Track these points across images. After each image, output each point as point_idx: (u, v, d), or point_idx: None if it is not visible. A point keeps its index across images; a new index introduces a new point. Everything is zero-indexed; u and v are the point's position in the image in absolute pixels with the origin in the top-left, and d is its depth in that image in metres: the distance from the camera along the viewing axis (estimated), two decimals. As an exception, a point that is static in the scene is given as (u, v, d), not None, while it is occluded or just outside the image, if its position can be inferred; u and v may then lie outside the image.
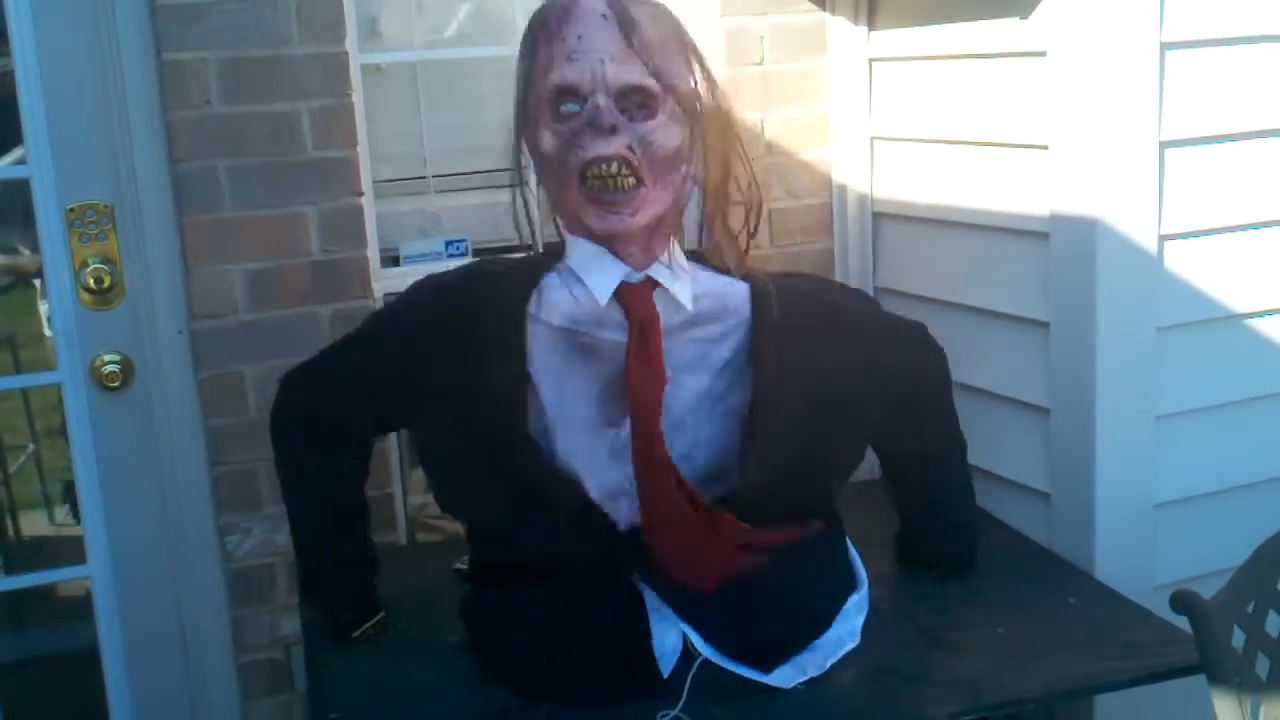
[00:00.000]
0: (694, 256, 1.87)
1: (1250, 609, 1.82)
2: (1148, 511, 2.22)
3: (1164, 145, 2.12)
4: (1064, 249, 2.17)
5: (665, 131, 1.70)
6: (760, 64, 2.66)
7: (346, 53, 2.38)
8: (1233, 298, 2.23)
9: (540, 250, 1.92)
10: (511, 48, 2.61)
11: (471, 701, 1.83)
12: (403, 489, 2.58)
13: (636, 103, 1.68)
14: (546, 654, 1.83)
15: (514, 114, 1.79)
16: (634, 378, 1.75)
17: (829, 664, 1.86)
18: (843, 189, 2.75)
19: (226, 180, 2.33)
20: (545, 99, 1.69)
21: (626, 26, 1.67)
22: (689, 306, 1.78)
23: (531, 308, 1.78)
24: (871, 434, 2.05)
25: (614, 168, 1.66)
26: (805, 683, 1.82)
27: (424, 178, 2.88)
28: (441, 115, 2.91)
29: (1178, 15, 2.08)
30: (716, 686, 1.80)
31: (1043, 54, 2.15)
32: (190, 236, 2.34)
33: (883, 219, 2.72)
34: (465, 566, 2.11)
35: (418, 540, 2.65)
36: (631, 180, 1.67)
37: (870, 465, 2.41)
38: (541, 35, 1.71)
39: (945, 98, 2.46)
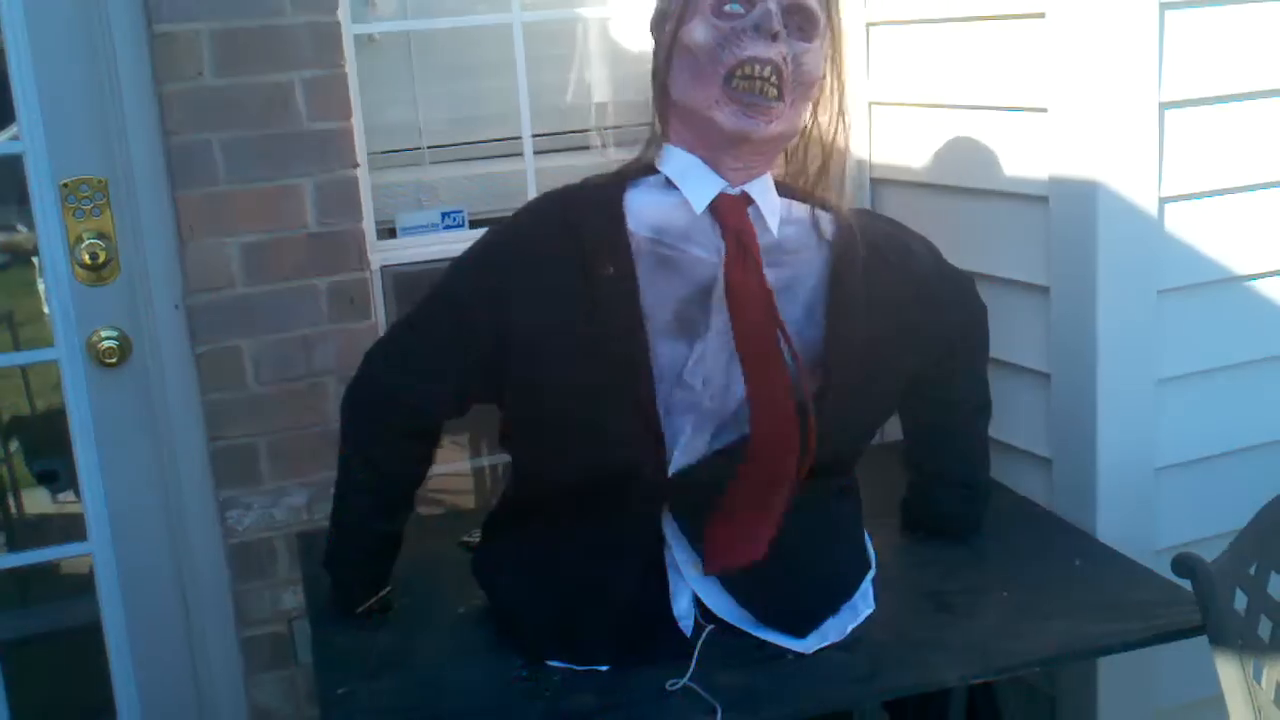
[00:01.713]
0: (782, 186, 1.86)
1: (1252, 571, 1.82)
2: (1149, 475, 2.21)
3: (1164, 107, 2.10)
4: (1064, 213, 2.16)
5: (816, 57, 1.72)
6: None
7: (339, 22, 2.37)
8: (1233, 260, 2.22)
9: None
10: (505, 17, 2.63)
11: (479, 674, 1.82)
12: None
13: (798, 22, 1.70)
14: (565, 613, 1.82)
15: (658, 18, 1.79)
16: (736, 284, 1.74)
17: (850, 629, 1.87)
18: (841, 154, 2.73)
19: (220, 153, 2.32)
20: None
21: None
22: (774, 231, 1.78)
23: (625, 220, 1.76)
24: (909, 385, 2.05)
25: (767, 71, 1.66)
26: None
27: (419, 149, 2.86)
28: (436, 85, 2.89)
29: (1177, -26, 2.06)
30: (726, 654, 1.80)
31: (1041, 15, 2.14)
32: (185, 210, 2.32)
33: (881, 185, 2.70)
34: (473, 539, 2.11)
35: (421, 513, 2.65)
36: (776, 90, 1.67)
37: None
38: None
39: (943, 61, 2.44)
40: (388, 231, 2.64)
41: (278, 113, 2.34)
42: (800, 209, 1.84)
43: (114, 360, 2.41)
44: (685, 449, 1.78)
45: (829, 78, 1.78)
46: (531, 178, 2.65)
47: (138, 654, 2.51)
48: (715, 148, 1.73)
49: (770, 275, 1.78)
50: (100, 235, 2.38)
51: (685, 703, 1.70)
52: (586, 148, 2.96)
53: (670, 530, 1.83)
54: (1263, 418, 2.30)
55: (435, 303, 1.90)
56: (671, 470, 1.77)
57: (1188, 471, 2.24)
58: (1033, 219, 2.24)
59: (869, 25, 2.64)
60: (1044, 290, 2.23)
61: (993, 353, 2.29)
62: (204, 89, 2.29)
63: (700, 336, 1.77)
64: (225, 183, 2.33)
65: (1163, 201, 2.13)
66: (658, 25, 1.79)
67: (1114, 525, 2.18)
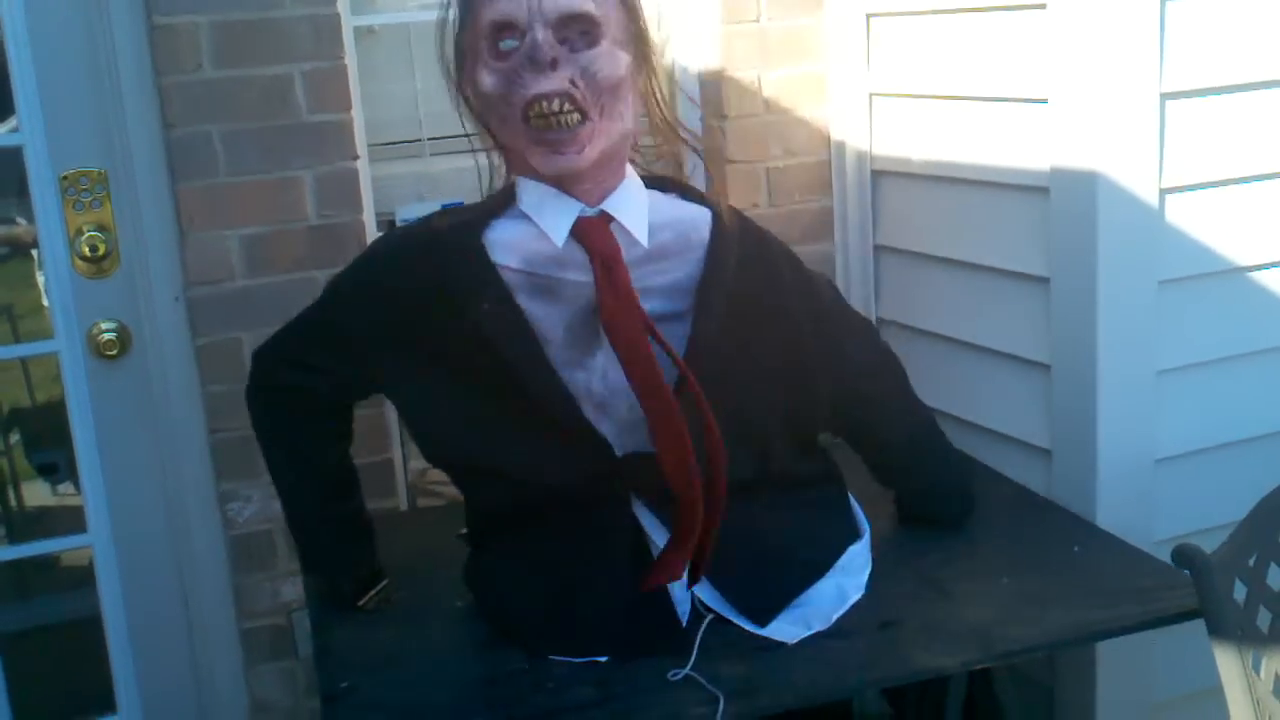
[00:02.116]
0: (656, 183, 1.82)
1: (1252, 563, 1.82)
2: (1149, 467, 2.21)
3: (1165, 97, 2.10)
4: (1064, 204, 2.15)
5: (610, 59, 1.64)
6: (757, 21, 2.64)
7: (338, 14, 2.36)
8: (1234, 251, 2.22)
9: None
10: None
11: (481, 667, 1.82)
12: (402, 454, 2.57)
13: (578, 30, 1.63)
14: (559, 609, 1.82)
15: (446, 65, 1.75)
16: (607, 315, 1.69)
17: (835, 617, 1.85)
18: (841, 146, 2.74)
19: (220, 145, 2.32)
20: (483, 36, 1.64)
21: None
22: (644, 243, 1.74)
23: (488, 250, 1.74)
24: (832, 420, 2.05)
25: (556, 104, 1.60)
26: (813, 636, 1.81)
27: (419, 140, 2.86)
28: (436, 77, 2.87)
29: (1178, -35, 2.06)
30: (725, 644, 1.80)
31: (1042, 6, 2.13)
32: (185, 203, 2.32)
33: (882, 176, 2.70)
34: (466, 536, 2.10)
35: (418, 506, 2.65)
36: (576, 116, 1.62)
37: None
38: None
39: (944, 52, 2.44)
40: (388, 223, 2.64)
41: (278, 105, 2.34)
42: (677, 209, 1.80)
43: (114, 352, 2.41)
44: (621, 441, 1.78)
45: (641, 63, 1.71)
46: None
47: (137, 646, 2.52)
48: (553, 181, 1.70)
49: (656, 281, 1.76)
50: (100, 227, 2.37)
51: (687, 693, 1.70)
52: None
53: (644, 517, 1.82)
54: (1263, 409, 2.30)
55: (314, 321, 1.94)
56: (620, 453, 1.77)
57: (1188, 463, 2.24)
58: (1033, 210, 2.24)
59: (869, 16, 2.63)
60: (1044, 281, 2.23)
61: (992, 344, 2.30)
62: (204, 81, 2.29)
63: (593, 354, 1.76)
64: (225, 175, 2.33)
65: (1163, 193, 2.13)
66: (459, 74, 1.75)
67: (1114, 516, 2.17)
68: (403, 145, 2.84)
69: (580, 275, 1.72)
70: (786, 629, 1.82)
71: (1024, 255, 2.28)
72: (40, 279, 2.74)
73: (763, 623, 1.82)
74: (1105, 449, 2.17)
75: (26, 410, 3.71)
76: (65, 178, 2.35)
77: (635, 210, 1.74)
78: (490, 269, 1.73)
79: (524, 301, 1.74)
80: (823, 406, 1.99)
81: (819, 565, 1.92)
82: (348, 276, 1.92)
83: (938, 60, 2.46)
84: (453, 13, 1.73)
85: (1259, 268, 2.25)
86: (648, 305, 1.74)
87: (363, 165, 2.46)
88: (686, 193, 1.83)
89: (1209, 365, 2.24)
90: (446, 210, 1.87)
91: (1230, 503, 1.92)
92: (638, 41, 1.71)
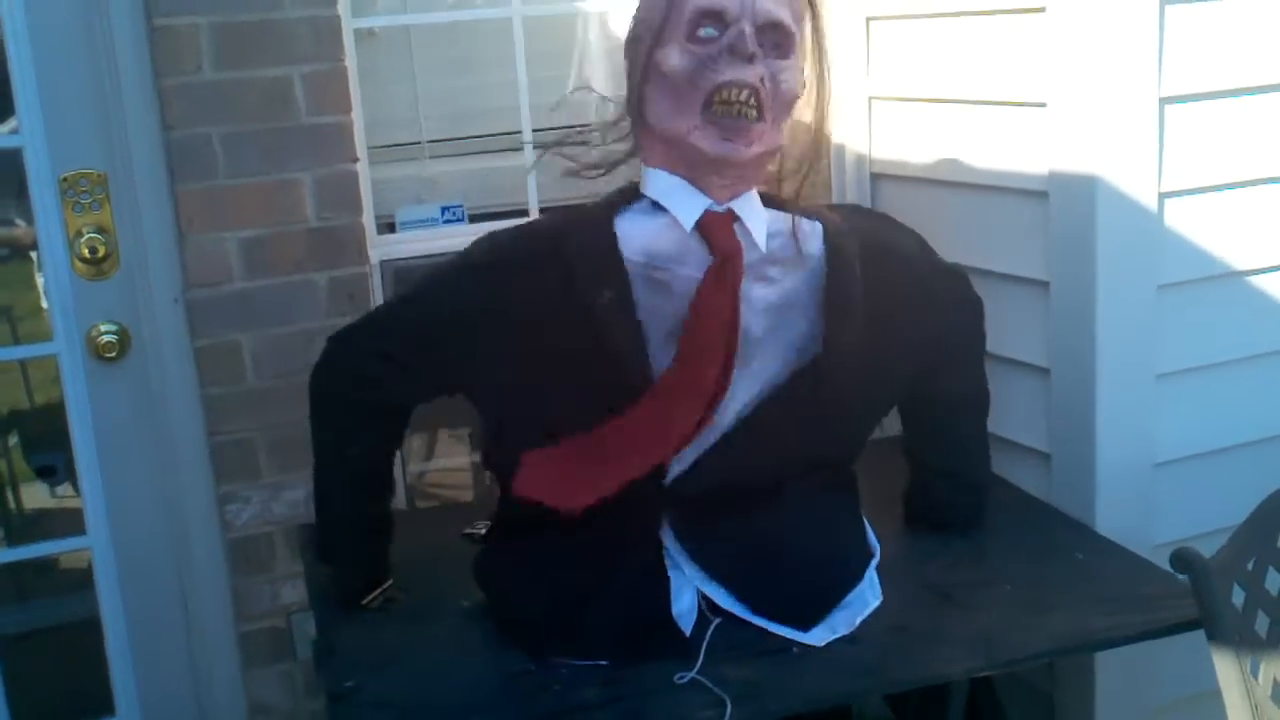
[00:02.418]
0: (765, 196, 1.86)
1: (1250, 567, 1.82)
2: (1148, 470, 2.21)
3: (1164, 101, 2.10)
4: (1063, 207, 2.15)
5: (793, 75, 1.71)
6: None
7: (339, 16, 2.37)
8: (1233, 255, 2.22)
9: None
10: (505, 11, 2.62)
11: (484, 667, 1.82)
12: (402, 457, 2.58)
13: (773, 40, 1.69)
14: (566, 610, 1.82)
15: (631, 43, 1.78)
16: (704, 303, 1.72)
17: (858, 621, 1.87)
18: (840, 150, 2.74)
19: (220, 147, 2.32)
20: (686, 19, 1.68)
21: None
22: (762, 246, 1.78)
23: (618, 245, 1.76)
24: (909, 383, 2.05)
25: (744, 95, 1.66)
26: (805, 644, 1.82)
27: (419, 143, 2.86)
28: (436, 80, 2.89)
29: (1177, -30, 2.06)
30: (730, 647, 1.80)
31: (1041, 10, 2.14)
32: (184, 204, 2.32)
33: (881, 179, 2.70)
34: (476, 530, 2.10)
35: (417, 506, 2.65)
36: (755, 112, 1.67)
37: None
38: None
39: (943, 56, 2.44)
40: (387, 226, 2.64)
41: (277, 107, 2.34)
42: (783, 220, 1.83)
43: (113, 354, 2.40)
44: (679, 458, 1.79)
45: (819, 84, 1.77)
46: (531, 172, 2.65)
47: (136, 648, 2.51)
48: (697, 169, 1.73)
49: (761, 292, 1.79)
50: (100, 229, 2.37)
51: (693, 696, 1.70)
52: (585, 143, 2.95)
53: (668, 535, 1.84)
54: (1262, 413, 2.30)
55: (407, 316, 1.93)
56: (669, 479, 1.79)
57: (1187, 467, 2.24)
58: (1032, 214, 2.24)
59: (869, 20, 2.63)
60: (1044, 285, 2.23)
61: (992, 348, 2.29)
62: (204, 83, 2.29)
63: None
64: (225, 177, 2.33)
65: (1162, 197, 2.13)
66: (631, 49, 1.78)
67: (1113, 520, 2.18)
68: (402, 148, 2.84)
69: (696, 272, 1.75)
70: (819, 632, 1.83)
71: (1023, 259, 2.28)
72: (40, 280, 2.74)
73: (805, 627, 1.83)
74: (1104, 453, 2.17)
75: (25, 412, 3.71)
76: (65, 179, 2.35)
77: (758, 214, 1.79)
78: (619, 261, 1.75)
79: (638, 294, 1.76)
80: (900, 387, 2.03)
81: (858, 571, 1.94)
82: (455, 277, 1.90)
83: (937, 64, 2.46)
84: (603, 12, 1.77)
85: (1258, 272, 2.25)
86: (764, 319, 1.79)
87: (362, 167, 2.47)
88: (785, 207, 1.86)
89: (1208, 369, 2.24)
90: (564, 209, 1.90)
91: (1229, 507, 1.92)
92: (820, 70, 1.77)
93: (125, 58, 2.29)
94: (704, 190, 1.74)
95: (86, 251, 2.37)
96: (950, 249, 2.45)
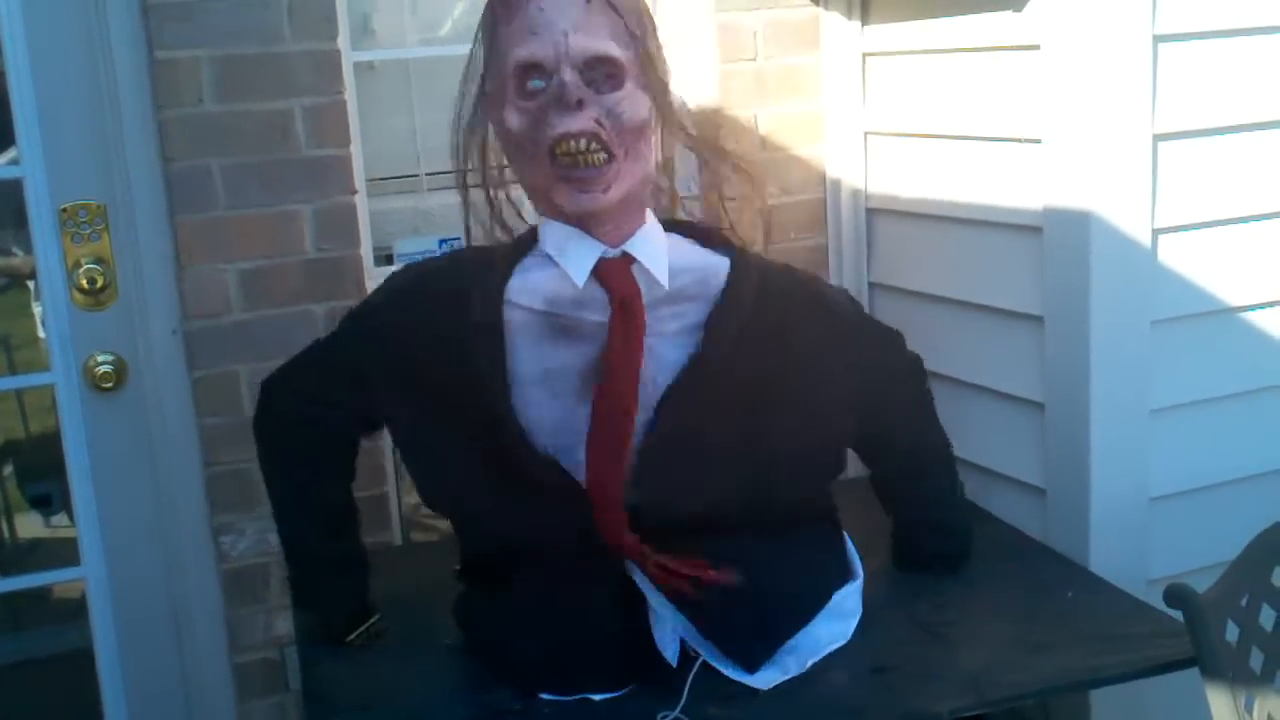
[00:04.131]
0: (677, 228, 1.84)
1: (1244, 603, 1.82)
2: (1142, 506, 2.22)
3: (1158, 138, 2.11)
4: (1058, 243, 2.16)
5: (633, 101, 1.66)
6: (754, 59, 2.66)
7: (339, 50, 2.38)
8: (1227, 291, 2.23)
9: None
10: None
11: (470, 705, 1.81)
12: (397, 489, 2.57)
13: (603, 73, 1.65)
14: (545, 650, 1.81)
15: (460, 106, 1.77)
16: (613, 355, 1.71)
17: (810, 663, 1.84)
18: (836, 184, 2.75)
19: (219, 179, 2.33)
20: (510, 76, 1.66)
21: None
22: (664, 284, 1.75)
23: (510, 294, 1.75)
24: (852, 441, 2.04)
25: (583, 144, 1.62)
26: (791, 681, 1.80)
27: (417, 175, 2.88)
28: (434, 113, 2.90)
29: (1171, 8, 2.07)
30: (714, 686, 1.79)
31: (1036, 47, 2.15)
32: (183, 236, 2.33)
33: (876, 214, 2.72)
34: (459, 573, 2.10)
35: (413, 540, 2.65)
36: (602, 155, 1.64)
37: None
38: (501, 13, 1.68)
39: (939, 92, 2.46)
40: (385, 257, 2.65)
41: (277, 139, 2.35)
42: (696, 256, 1.81)
43: (110, 385, 2.41)
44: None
45: (661, 107, 1.73)
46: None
47: (130, 679, 2.50)
48: (576, 220, 1.71)
49: (672, 325, 1.77)
50: (98, 260, 2.38)
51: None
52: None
53: (633, 568, 1.82)
54: (1256, 449, 2.30)
55: (326, 353, 1.96)
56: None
57: (1181, 502, 2.25)
58: (1027, 249, 2.25)
59: (865, 55, 2.65)
60: (1038, 320, 2.24)
61: (986, 382, 2.31)
62: (204, 115, 2.30)
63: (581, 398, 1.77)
64: (224, 208, 2.34)
65: (1156, 233, 2.14)
66: (485, 112, 1.76)
67: (1107, 555, 2.18)
68: (400, 180, 2.85)
69: (600, 316, 1.73)
70: (761, 674, 1.80)
71: (1017, 294, 2.29)
72: (37, 310, 2.75)
73: (751, 669, 1.80)
74: (1098, 487, 2.17)
75: (21, 441, 3.71)
76: (64, 210, 2.35)
77: (656, 252, 1.76)
78: (497, 315, 1.75)
79: (542, 343, 1.75)
80: (842, 447, 2.00)
81: (807, 612, 1.89)
82: (365, 310, 1.93)
83: (932, 99, 2.48)
84: (478, 50, 1.75)
85: (1251, 308, 2.26)
86: (661, 349, 1.76)
87: (361, 200, 2.48)
88: (708, 239, 1.84)
89: (1202, 405, 2.24)
90: (468, 250, 1.88)
91: (1223, 542, 1.92)
92: (657, 86, 1.73)
93: (126, 90, 2.30)
94: (596, 235, 1.71)
95: (85, 282, 2.37)
96: (945, 283, 2.47)
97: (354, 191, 2.44)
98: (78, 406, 2.41)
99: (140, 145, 2.32)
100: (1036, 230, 2.21)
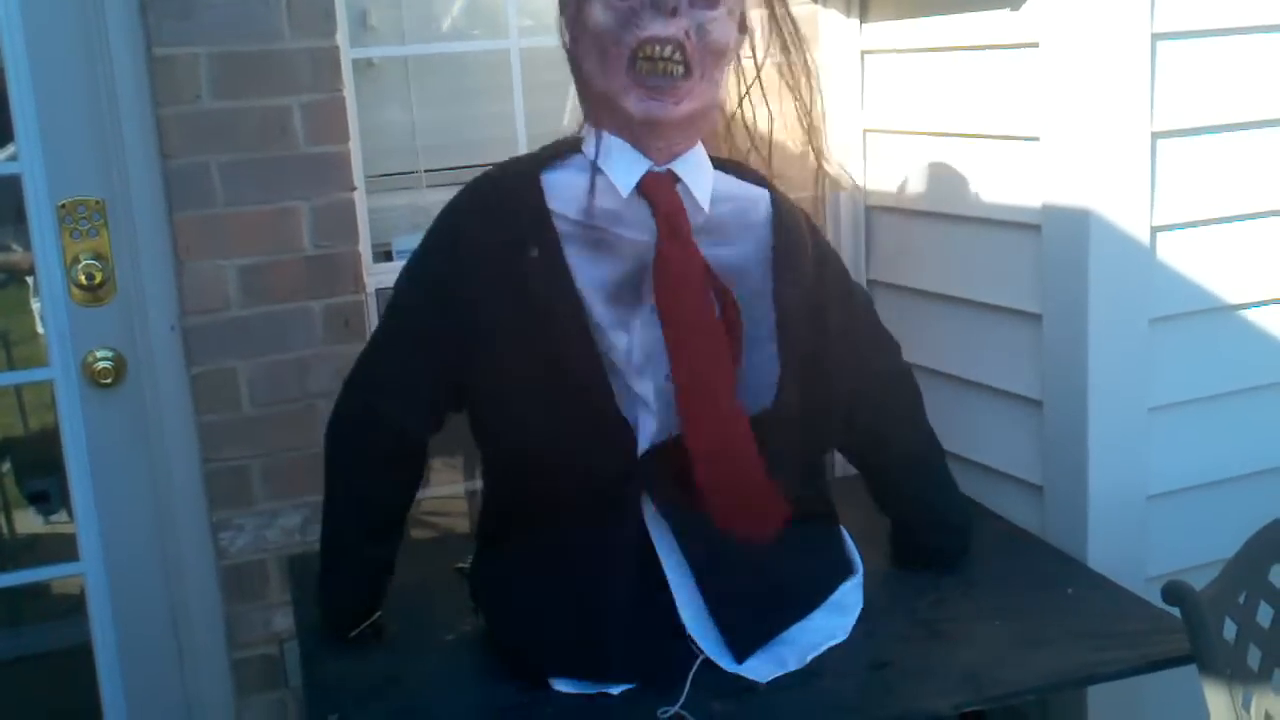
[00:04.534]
0: (717, 162, 1.83)
1: (1242, 600, 1.82)
2: (1140, 503, 2.22)
3: (1156, 136, 2.12)
4: (1056, 241, 2.17)
5: (723, 25, 1.68)
6: (752, 57, 2.65)
7: (337, 47, 2.38)
8: (1225, 289, 2.23)
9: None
10: (503, 43, 2.64)
11: (471, 700, 1.82)
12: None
13: None
14: (562, 624, 1.80)
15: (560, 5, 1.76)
16: (664, 262, 1.69)
17: (810, 658, 1.84)
18: (835, 182, 2.75)
19: (218, 176, 2.33)
20: None
21: None
22: (706, 208, 1.75)
23: (548, 201, 1.74)
24: (844, 431, 2.06)
25: (668, 50, 1.63)
26: (790, 677, 1.80)
27: (416, 172, 2.87)
28: (433, 110, 2.90)
29: (1169, 6, 2.08)
30: (717, 681, 1.79)
31: (1034, 45, 2.15)
32: (182, 232, 2.33)
33: (875, 211, 2.72)
34: (467, 565, 2.10)
35: (413, 537, 2.65)
36: (681, 68, 1.64)
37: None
38: None
39: (937, 90, 2.46)
40: (384, 254, 2.65)
41: (275, 136, 2.35)
42: (736, 186, 1.81)
43: (109, 381, 2.41)
44: (646, 431, 1.76)
45: (764, 40, 1.75)
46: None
47: (128, 675, 2.51)
48: (633, 129, 1.70)
49: (712, 254, 1.76)
50: (97, 256, 2.38)
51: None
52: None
53: (655, 529, 1.81)
54: (1254, 446, 2.31)
55: (391, 318, 1.92)
56: (640, 450, 1.75)
57: (1179, 500, 2.25)
58: (1025, 247, 2.25)
59: (863, 53, 2.65)
60: (1036, 318, 2.24)
61: (984, 380, 2.31)
62: (202, 112, 2.30)
63: (635, 317, 1.75)
64: (222, 205, 2.34)
65: (1155, 230, 2.15)
66: (563, 6, 1.76)
67: (1105, 553, 2.18)
68: (399, 177, 2.85)
69: (637, 234, 1.72)
70: (760, 667, 1.81)
71: (1016, 292, 2.29)
72: (36, 306, 2.74)
73: (740, 658, 1.80)
74: (1096, 485, 2.17)
75: (19, 437, 3.71)
76: (63, 206, 2.35)
77: (702, 176, 1.76)
78: (544, 215, 1.72)
79: (574, 254, 1.73)
80: (836, 416, 2.00)
81: (807, 603, 1.91)
82: (418, 269, 1.89)
83: (931, 97, 2.48)
84: None
85: (1249, 306, 2.26)
86: None
87: (359, 196, 2.48)
88: (744, 174, 1.84)
89: (1200, 402, 2.25)
90: (501, 163, 1.87)
91: (1221, 540, 1.93)
92: (743, 22, 1.75)
93: (124, 87, 2.30)
94: (643, 151, 1.71)
95: (83, 278, 2.37)
96: (943, 281, 2.47)
97: (353, 188, 2.44)
98: (76, 402, 2.41)
99: (139, 141, 2.32)
100: (1035, 228, 2.21)
